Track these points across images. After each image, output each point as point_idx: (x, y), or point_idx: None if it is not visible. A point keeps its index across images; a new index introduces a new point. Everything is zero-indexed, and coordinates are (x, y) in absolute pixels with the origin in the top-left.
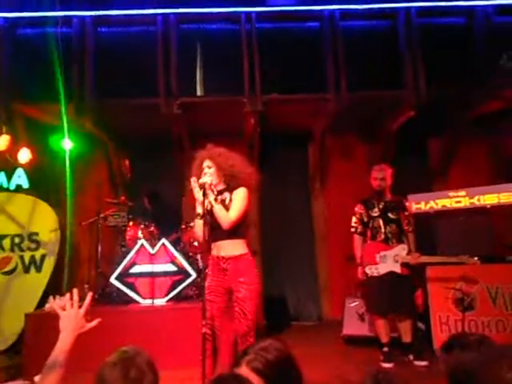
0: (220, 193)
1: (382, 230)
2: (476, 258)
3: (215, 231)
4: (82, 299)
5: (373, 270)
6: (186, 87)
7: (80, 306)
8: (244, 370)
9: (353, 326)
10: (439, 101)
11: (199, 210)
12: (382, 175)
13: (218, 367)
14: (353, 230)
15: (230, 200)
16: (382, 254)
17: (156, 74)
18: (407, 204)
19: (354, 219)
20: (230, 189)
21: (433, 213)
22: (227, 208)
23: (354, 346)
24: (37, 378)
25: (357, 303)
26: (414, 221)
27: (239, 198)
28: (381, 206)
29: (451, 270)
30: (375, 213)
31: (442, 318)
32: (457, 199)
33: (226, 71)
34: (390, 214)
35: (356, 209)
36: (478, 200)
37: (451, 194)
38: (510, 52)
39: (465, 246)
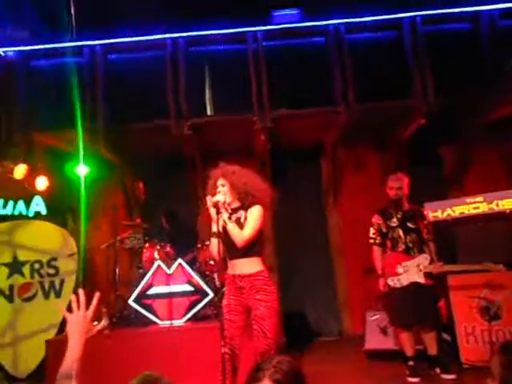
0: (235, 211)
1: (403, 240)
2: (501, 265)
3: (231, 249)
4: (98, 320)
5: (395, 282)
6: (196, 108)
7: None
8: None
9: (375, 340)
10: (449, 108)
11: (214, 228)
12: (398, 184)
13: None
14: (371, 241)
15: (245, 218)
16: (404, 264)
17: (166, 96)
18: (425, 212)
19: (371, 230)
20: (245, 207)
21: (450, 220)
22: (242, 226)
23: (377, 360)
24: None
25: (378, 316)
26: (433, 229)
27: (253, 216)
28: (399, 216)
29: (474, 278)
30: (394, 223)
31: (467, 329)
32: (475, 205)
33: (234, 90)
34: (409, 224)
35: (373, 220)
36: (497, 205)
37: (469, 200)
38: None
39: (485, 252)
